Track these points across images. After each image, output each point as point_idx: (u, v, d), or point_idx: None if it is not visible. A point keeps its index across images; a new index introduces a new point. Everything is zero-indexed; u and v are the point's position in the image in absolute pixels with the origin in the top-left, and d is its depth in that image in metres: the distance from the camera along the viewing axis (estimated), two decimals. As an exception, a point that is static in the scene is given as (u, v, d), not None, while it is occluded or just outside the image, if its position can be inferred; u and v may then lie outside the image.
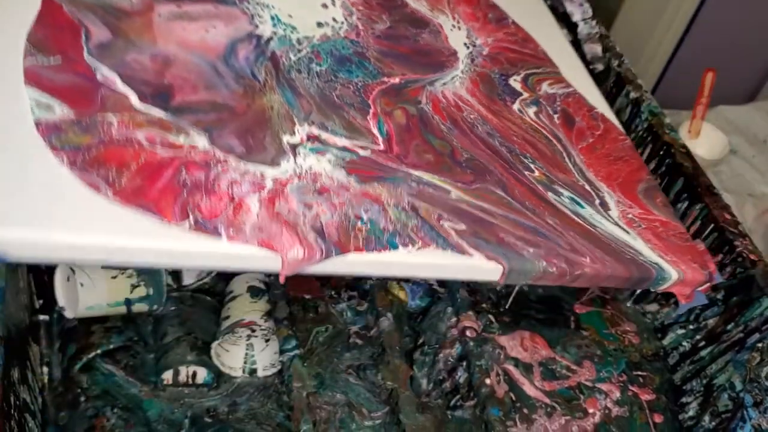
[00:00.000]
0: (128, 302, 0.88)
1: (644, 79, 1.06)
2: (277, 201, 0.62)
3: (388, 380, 0.90)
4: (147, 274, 0.88)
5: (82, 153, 0.57)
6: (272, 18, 0.80)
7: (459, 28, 0.98)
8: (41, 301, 0.88)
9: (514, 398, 0.90)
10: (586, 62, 1.15)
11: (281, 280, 0.61)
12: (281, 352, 0.88)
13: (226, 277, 1.00)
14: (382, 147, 0.75)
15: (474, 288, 1.06)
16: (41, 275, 0.88)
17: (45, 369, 0.84)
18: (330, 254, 0.61)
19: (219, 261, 0.59)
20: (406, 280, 1.04)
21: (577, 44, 1.18)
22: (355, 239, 0.63)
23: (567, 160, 0.87)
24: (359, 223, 0.64)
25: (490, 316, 1.00)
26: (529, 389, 0.91)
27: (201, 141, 0.63)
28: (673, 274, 0.79)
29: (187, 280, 0.98)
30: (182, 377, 0.88)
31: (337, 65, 0.81)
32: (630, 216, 0.84)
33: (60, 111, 0.59)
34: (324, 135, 0.72)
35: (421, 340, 0.97)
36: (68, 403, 0.83)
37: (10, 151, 0.54)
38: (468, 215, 0.72)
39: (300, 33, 0.81)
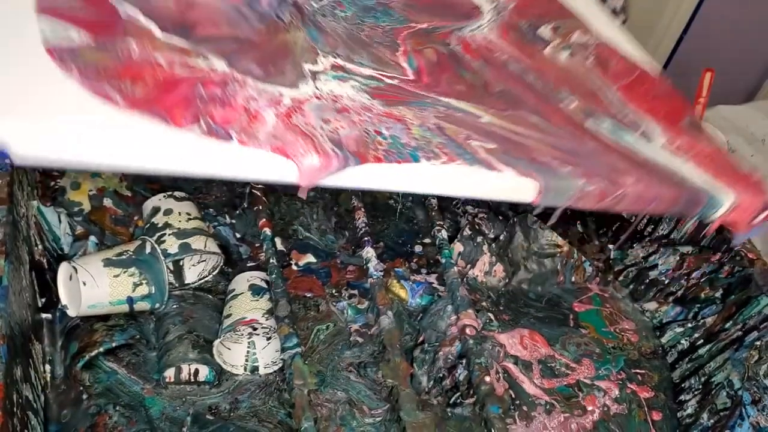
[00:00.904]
0: (130, 300, 0.88)
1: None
2: (294, 115, 0.62)
3: (389, 378, 0.91)
4: (149, 273, 0.88)
5: (95, 67, 0.57)
6: None
7: None
8: (44, 300, 0.88)
9: (513, 396, 0.90)
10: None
11: (301, 194, 0.59)
12: (282, 349, 0.88)
13: (227, 275, 1.00)
14: (411, 78, 0.74)
15: (473, 287, 1.06)
16: (44, 274, 0.88)
17: (47, 367, 0.85)
18: (347, 163, 0.59)
19: (230, 167, 0.58)
20: (408, 279, 1.05)
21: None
22: (374, 151, 0.61)
23: (606, 95, 0.85)
24: (379, 138, 0.63)
25: (490, 314, 1.00)
26: (529, 387, 0.92)
27: (220, 65, 0.64)
28: (726, 199, 0.74)
29: (189, 278, 0.99)
30: (184, 375, 0.88)
31: (361, 13, 0.81)
32: (677, 144, 0.80)
33: (78, 37, 0.59)
34: (349, 66, 0.72)
35: (421, 338, 0.98)
36: (71, 401, 0.83)
37: (18, 71, 0.55)
38: (499, 137, 0.69)
39: None
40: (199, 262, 1.00)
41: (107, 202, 1.00)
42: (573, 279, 1.11)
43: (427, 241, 1.14)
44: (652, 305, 1.07)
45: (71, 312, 0.87)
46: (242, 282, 0.97)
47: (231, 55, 0.66)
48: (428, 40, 0.82)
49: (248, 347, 0.93)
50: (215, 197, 1.10)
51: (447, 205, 1.17)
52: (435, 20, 0.87)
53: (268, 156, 0.57)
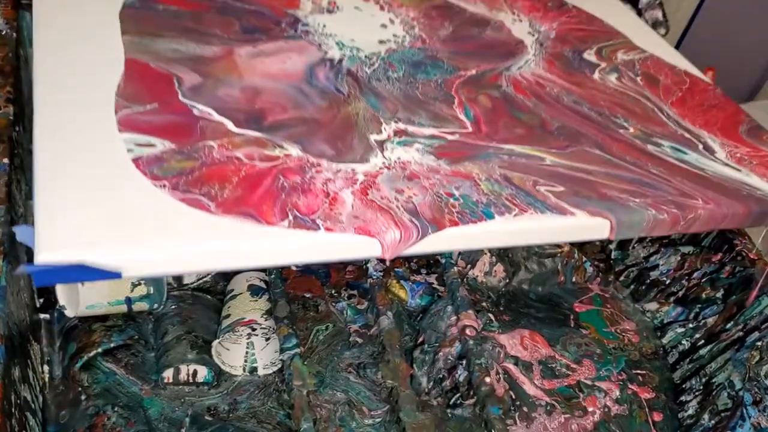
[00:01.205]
0: (129, 301, 0.88)
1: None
2: (369, 191, 0.64)
3: (388, 379, 0.90)
4: (147, 273, 0.88)
5: (185, 176, 0.61)
6: (337, 44, 0.86)
7: (520, 21, 1.01)
8: (42, 300, 0.88)
9: (513, 396, 0.90)
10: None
11: (387, 261, 0.62)
12: (282, 350, 0.88)
13: (226, 276, 1.00)
14: (470, 129, 0.76)
15: (473, 287, 1.06)
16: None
17: (46, 367, 0.85)
18: (426, 232, 0.62)
19: (319, 253, 0.61)
20: (408, 279, 1.05)
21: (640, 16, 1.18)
22: (449, 214, 0.64)
23: (660, 114, 0.87)
24: (452, 200, 0.65)
25: (490, 315, 1.00)
26: (529, 388, 0.92)
27: (294, 150, 0.67)
28: None
29: (188, 278, 0.98)
30: (183, 376, 0.88)
31: (412, 70, 0.85)
32: (738, 155, 0.82)
33: (161, 146, 0.63)
34: (411, 128, 0.74)
35: (421, 339, 0.97)
36: (69, 402, 0.83)
37: (112, 187, 0.58)
38: (566, 177, 0.71)
39: (365, 51, 0.86)
40: (198, 263, 1.00)
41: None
42: (574, 279, 1.10)
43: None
44: (653, 306, 1.06)
45: (69, 312, 0.86)
46: (241, 282, 0.97)
47: (302, 138, 0.69)
48: (480, 86, 0.85)
49: (247, 348, 0.93)
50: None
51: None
52: (482, 64, 0.89)
53: (353, 237, 0.60)
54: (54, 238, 0.52)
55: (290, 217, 0.59)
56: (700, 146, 0.82)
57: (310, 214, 0.60)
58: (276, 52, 0.80)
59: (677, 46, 1.84)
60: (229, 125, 0.68)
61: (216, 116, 0.69)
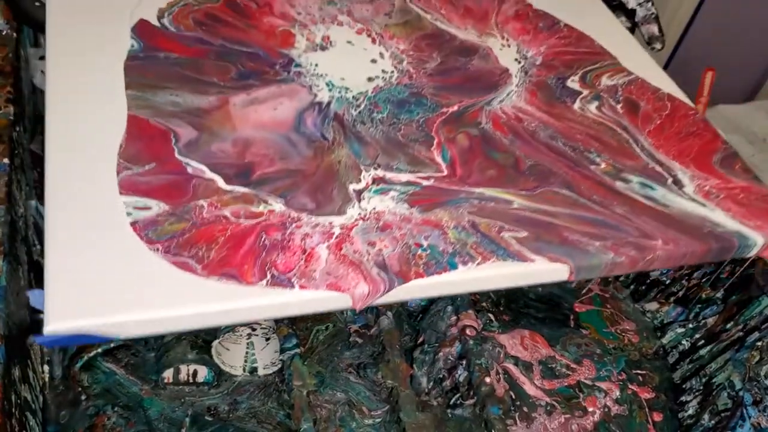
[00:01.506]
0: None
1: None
2: (344, 245, 0.68)
3: (388, 379, 0.90)
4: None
5: (176, 239, 0.65)
6: (327, 84, 0.87)
7: (508, 46, 1.01)
8: (42, 300, 0.88)
9: (514, 397, 0.90)
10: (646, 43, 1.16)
11: (357, 310, 0.67)
12: (282, 350, 0.88)
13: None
14: (445, 173, 0.79)
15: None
16: (42, 274, 0.88)
17: (46, 367, 0.85)
18: (393, 285, 0.65)
19: (292, 309, 0.65)
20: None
21: (636, 29, 1.18)
22: (415, 266, 0.67)
23: (635, 146, 0.88)
24: (419, 251, 0.69)
25: (490, 315, 1.00)
26: (529, 388, 0.92)
27: (278, 205, 0.71)
28: (759, 239, 0.78)
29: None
30: (183, 376, 0.88)
31: (396, 109, 0.86)
32: (707, 188, 0.83)
33: (157, 208, 0.67)
34: (389, 175, 0.77)
35: (421, 339, 0.97)
36: (69, 402, 0.83)
37: (113, 251, 0.63)
38: (530, 221, 0.74)
39: (354, 91, 0.88)
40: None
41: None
42: (573, 279, 1.11)
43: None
44: (653, 306, 1.06)
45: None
46: (241, 282, 0.96)
47: (286, 192, 0.72)
48: (460, 123, 0.86)
49: (247, 348, 0.93)
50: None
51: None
52: (465, 99, 0.90)
53: (325, 293, 0.63)
54: (60, 310, 0.58)
55: (268, 276, 0.63)
56: (670, 180, 0.84)
57: (287, 272, 0.64)
58: (268, 98, 0.83)
59: (678, 46, 1.84)
60: (220, 182, 0.72)
61: (208, 173, 0.72)
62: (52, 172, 0.69)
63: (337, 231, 0.69)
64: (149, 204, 0.67)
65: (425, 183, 0.77)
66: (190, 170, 0.72)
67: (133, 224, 0.65)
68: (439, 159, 0.80)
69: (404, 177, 0.77)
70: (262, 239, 0.67)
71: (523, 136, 0.86)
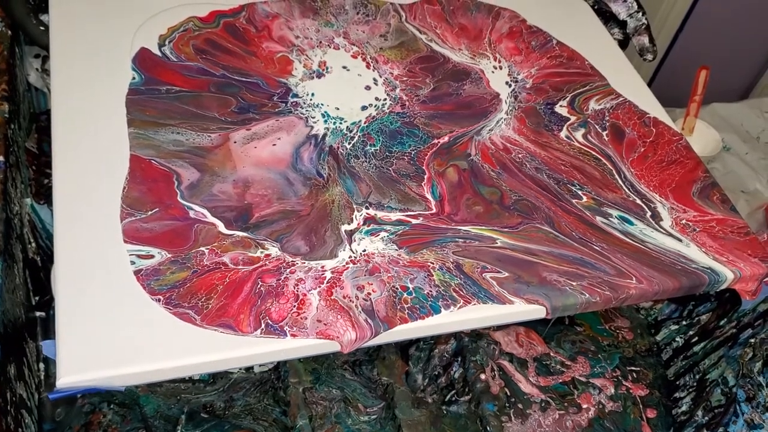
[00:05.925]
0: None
1: (639, 75, 1.07)
2: (334, 290, 0.69)
3: (384, 376, 0.91)
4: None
5: (177, 289, 0.66)
6: (323, 116, 0.88)
7: (500, 68, 1.01)
8: (37, 298, 0.88)
9: (508, 393, 0.90)
10: (637, 53, 1.18)
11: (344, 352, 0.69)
12: (277, 348, 0.88)
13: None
14: (434, 210, 0.80)
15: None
16: (38, 272, 0.88)
17: (41, 365, 0.84)
18: (379, 331, 0.67)
19: (283, 356, 0.67)
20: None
21: (628, 40, 1.19)
22: (401, 311, 0.69)
23: (617, 177, 0.89)
24: (405, 294, 0.71)
25: (486, 312, 1.00)
26: (524, 385, 0.92)
27: (274, 250, 0.72)
28: (728, 274, 0.80)
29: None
30: (179, 373, 0.88)
31: (389, 141, 0.87)
32: (684, 222, 0.85)
33: (159, 256, 0.68)
34: (380, 214, 0.78)
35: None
36: (64, 400, 0.83)
37: (119, 301, 0.65)
38: (511, 260, 0.76)
39: (348, 121, 0.88)
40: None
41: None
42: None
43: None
44: (646, 303, 1.07)
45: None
46: (237, 280, 0.96)
47: (282, 236, 0.73)
48: (450, 156, 0.87)
49: (243, 345, 0.93)
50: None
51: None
52: (456, 129, 0.90)
53: (315, 341, 0.66)
54: (71, 364, 0.60)
55: (262, 326, 0.65)
56: (648, 214, 0.86)
57: (280, 321, 0.66)
58: (267, 133, 0.84)
59: (672, 44, 1.84)
60: (220, 227, 0.73)
61: (209, 217, 0.73)
62: (60, 218, 0.70)
63: (328, 275, 0.70)
64: (152, 252, 0.68)
65: (414, 221, 0.78)
66: (192, 214, 0.73)
67: (137, 273, 0.66)
68: (428, 195, 0.81)
69: (394, 216, 0.78)
70: (258, 286, 0.68)
71: (510, 168, 0.87)
